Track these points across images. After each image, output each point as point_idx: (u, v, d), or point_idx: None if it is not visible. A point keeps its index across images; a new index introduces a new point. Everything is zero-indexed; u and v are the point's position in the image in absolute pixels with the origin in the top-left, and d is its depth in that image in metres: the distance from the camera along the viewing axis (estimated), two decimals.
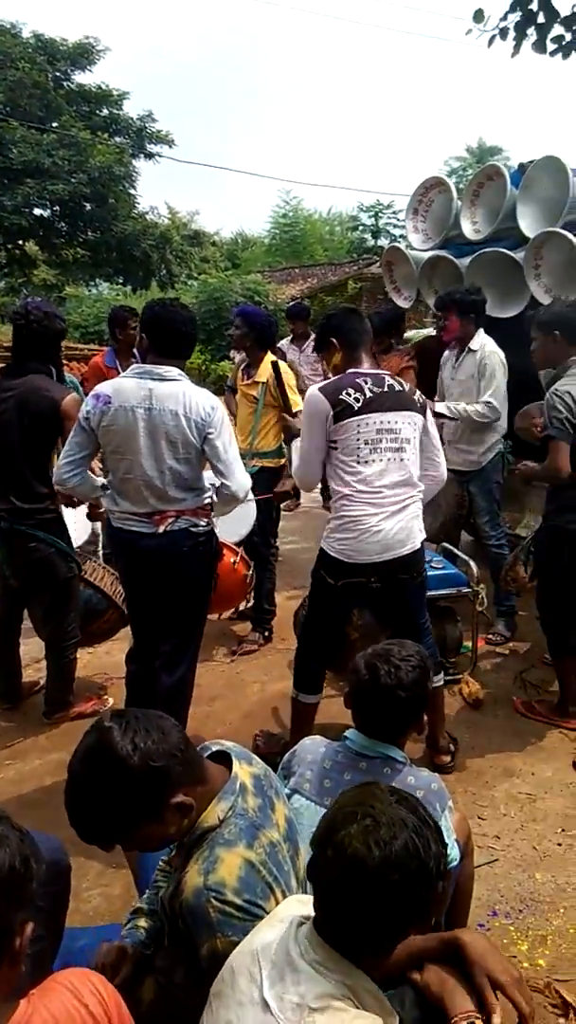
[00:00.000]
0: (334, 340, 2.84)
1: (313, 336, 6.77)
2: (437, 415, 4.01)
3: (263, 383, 4.20)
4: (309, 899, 1.35)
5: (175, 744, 1.37)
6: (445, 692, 3.27)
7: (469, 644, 3.94)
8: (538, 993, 2.00)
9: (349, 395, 2.64)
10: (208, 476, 2.79)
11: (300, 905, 1.35)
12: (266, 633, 4.43)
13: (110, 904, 2.36)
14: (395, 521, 2.68)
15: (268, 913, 1.36)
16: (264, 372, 4.22)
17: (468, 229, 5.00)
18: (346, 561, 2.71)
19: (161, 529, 2.66)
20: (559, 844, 2.65)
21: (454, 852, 1.78)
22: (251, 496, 3.52)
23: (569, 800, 2.90)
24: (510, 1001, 1.29)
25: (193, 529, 2.71)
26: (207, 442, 2.64)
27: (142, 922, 1.63)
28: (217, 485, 2.75)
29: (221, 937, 1.31)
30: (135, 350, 4.99)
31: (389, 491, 2.68)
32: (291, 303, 9.20)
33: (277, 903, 1.39)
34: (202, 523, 2.74)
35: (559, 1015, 1.95)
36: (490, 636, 4.28)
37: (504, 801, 2.91)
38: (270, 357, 4.31)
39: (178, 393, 2.61)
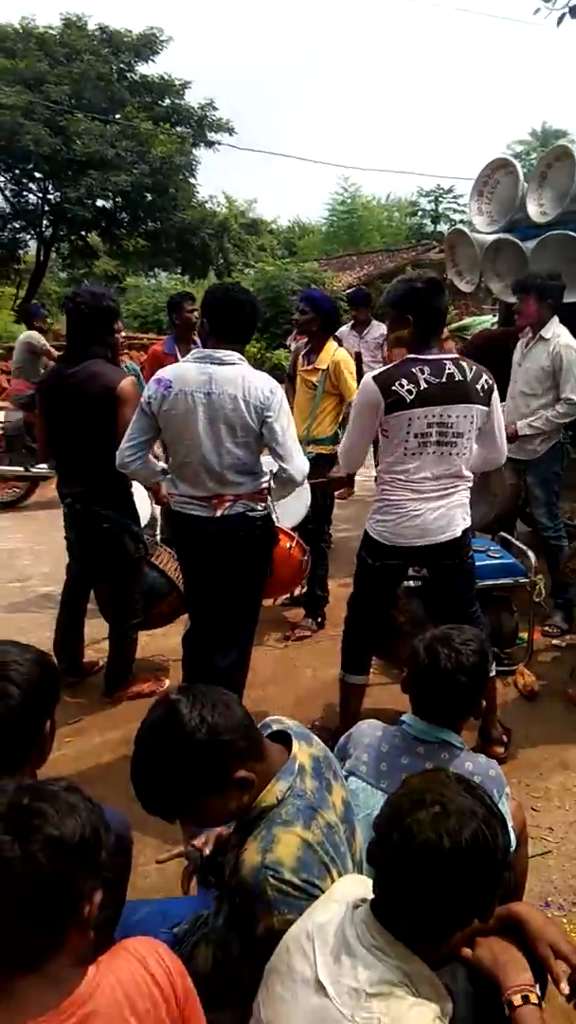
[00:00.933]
0: (410, 317, 2.62)
1: (374, 322, 6.76)
2: (517, 437, 3.89)
3: (324, 370, 4.16)
4: (366, 880, 1.35)
5: (240, 719, 1.39)
6: (499, 683, 3.23)
7: (525, 635, 3.88)
8: None
9: (402, 387, 2.56)
10: (266, 461, 2.80)
11: (357, 885, 1.35)
12: (319, 620, 4.43)
13: (166, 880, 2.40)
14: (434, 507, 2.67)
15: (324, 893, 1.36)
16: (326, 358, 4.17)
17: (534, 211, 4.88)
18: (385, 543, 2.73)
19: (219, 513, 2.69)
20: None
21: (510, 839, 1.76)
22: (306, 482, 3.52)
23: None
24: (573, 970, 1.31)
25: (250, 513, 2.73)
26: (265, 425, 2.64)
27: None
28: (275, 469, 2.75)
29: (278, 915, 1.32)
30: (195, 336, 5.03)
31: (432, 481, 2.66)
32: (348, 290, 9.10)
33: (333, 883, 1.39)
34: (259, 507, 2.76)
35: None
36: (547, 628, 4.20)
37: (558, 794, 2.87)
38: (332, 343, 4.27)
39: (237, 377, 2.62)
